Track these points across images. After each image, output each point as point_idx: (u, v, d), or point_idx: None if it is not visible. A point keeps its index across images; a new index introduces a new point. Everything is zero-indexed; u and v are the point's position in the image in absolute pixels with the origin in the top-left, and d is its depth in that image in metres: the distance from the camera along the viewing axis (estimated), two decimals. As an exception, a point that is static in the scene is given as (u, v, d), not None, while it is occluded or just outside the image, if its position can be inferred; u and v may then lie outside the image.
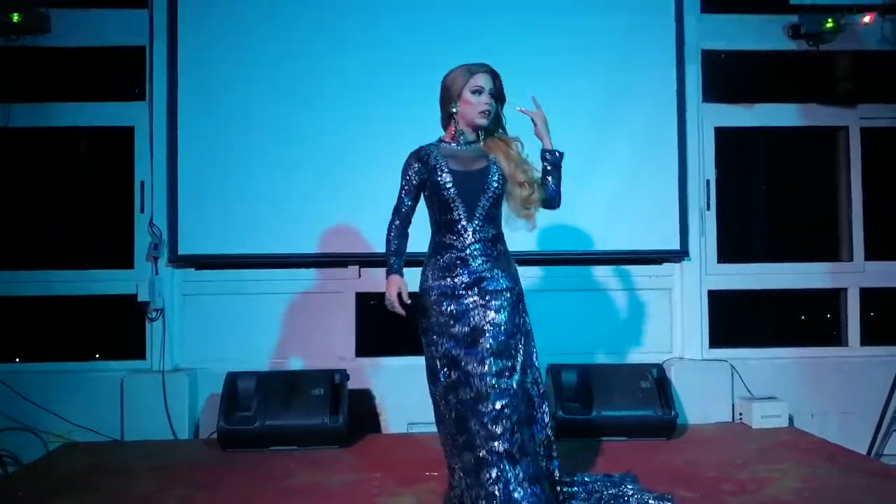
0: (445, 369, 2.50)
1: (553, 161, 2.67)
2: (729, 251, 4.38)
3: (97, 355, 4.24)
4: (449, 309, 2.51)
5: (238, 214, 4.04)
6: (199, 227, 4.06)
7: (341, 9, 4.10)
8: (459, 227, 2.55)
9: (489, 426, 2.39)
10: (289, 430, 3.67)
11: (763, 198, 4.66)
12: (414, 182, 2.61)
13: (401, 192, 2.64)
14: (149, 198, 4.13)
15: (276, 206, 4.06)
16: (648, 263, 4.30)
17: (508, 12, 4.12)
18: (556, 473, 2.68)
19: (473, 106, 2.58)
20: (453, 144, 2.63)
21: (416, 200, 2.65)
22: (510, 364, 2.48)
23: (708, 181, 4.33)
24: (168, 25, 4.09)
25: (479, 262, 2.54)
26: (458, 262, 2.54)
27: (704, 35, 4.32)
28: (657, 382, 3.90)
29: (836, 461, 3.38)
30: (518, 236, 4.18)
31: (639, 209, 4.17)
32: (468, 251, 2.54)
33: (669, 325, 4.30)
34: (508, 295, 2.55)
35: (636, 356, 4.19)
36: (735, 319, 4.45)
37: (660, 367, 3.99)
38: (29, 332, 4.24)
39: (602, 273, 4.26)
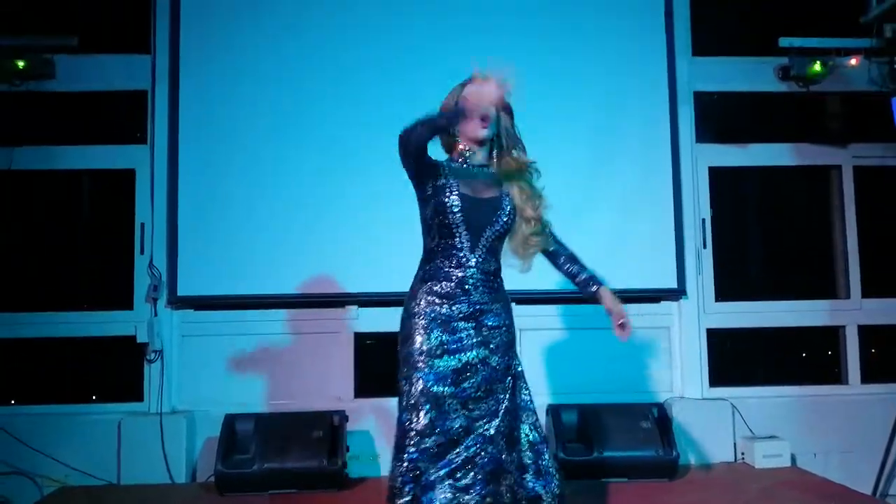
0: (412, 411, 2.21)
1: (577, 285, 2.53)
2: (726, 289, 4.40)
3: (94, 397, 4.22)
4: (440, 339, 2.28)
5: (237, 256, 4.06)
6: (199, 268, 4.08)
7: (342, 49, 4.17)
8: (461, 255, 2.33)
9: (459, 476, 2.19)
10: (287, 473, 3.63)
11: (759, 236, 4.70)
12: (430, 160, 2.35)
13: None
14: (149, 239, 4.15)
15: (274, 248, 4.08)
16: (646, 302, 4.31)
17: (501, 52, 4.19)
18: None
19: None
20: (463, 165, 2.40)
21: (423, 157, 2.32)
22: (493, 409, 2.28)
23: (704, 220, 4.38)
24: (170, 70, 4.17)
25: (481, 291, 2.34)
26: (459, 290, 2.32)
27: (696, 77, 4.41)
28: (658, 422, 3.88)
29: (841, 501, 3.34)
30: (514, 274, 4.21)
31: (635, 248, 4.20)
32: (469, 281, 2.33)
33: (669, 364, 4.30)
34: (504, 331, 2.37)
35: (636, 395, 4.17)
36: (735, 358, 4.45)
37: (660, 407, 3.98)
38: (25, 374, 4.22)
39: (600, 312, 4.22)
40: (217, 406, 3.98)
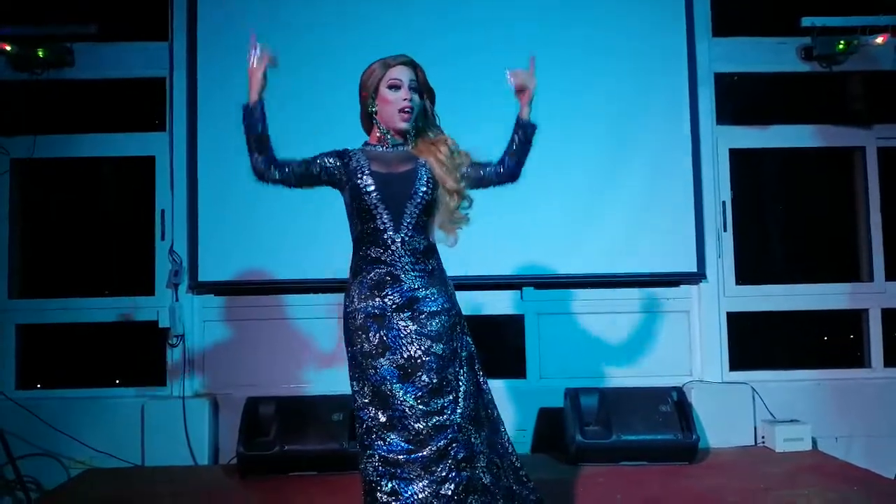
0: (371, 409, 2.19)
1: (526, 138, 2.34)
2: (747, 273, 4.36)
3: (118, 381, 4.28)
4: (378, 336, 2.20)
5: (257, 241, 4.09)
6: (219, 254, 4.11)
7: (357, 36, 4.15)
8: (385, 237, 2.24)
9: (434, 469, 2.14)
10: (308, 456, 3.66)
11: (780, 219, 4.64)
12: (322, 163, 2.31)
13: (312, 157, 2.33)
14: (169, 225, 4.19)
15: (294, 233, 4.10)
16: (666, 286, 4.28)
17: (519, 35, 4.17)
18: (532, 497, 2.37)
19: (392, 104, 2.29)
20: (379, 147, 2.35)
21: (306, 176, 2.32)
22: (451, 397, 2.20)
23: (724, 203, 4.33)
24: (188, 57, 4.18)
25: (412, 277, 2.23)
26: (389, 278, 2.23)
27: (717, 58, 4.35)
28: (677, 406, 3.86)
29: (863, 486, 3.31)
30: (534, 258, 4.20)
31: (655, 232, 4.17)
32: (399, 266, 2.23)
33: (688, 347, 4.28)
34: (445, 318, 2.25)
35: (655, 379, 4.15)
36: (755, 341, 4.41)
37: (680, 391, 3.96)
38: (50, 359, 4.29)
39: (619, 296, 4.25)
40: (238, 389, 4.03)
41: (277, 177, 2.34)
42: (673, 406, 3.85)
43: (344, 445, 3.66)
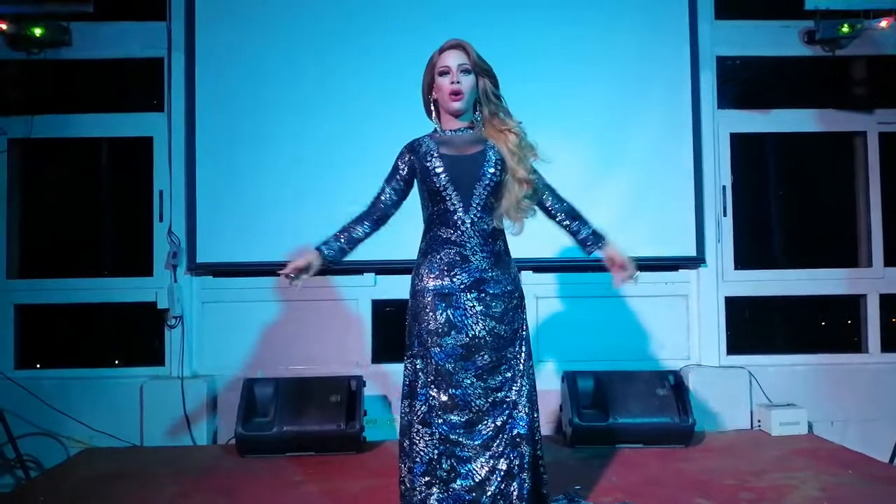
0: (433, 388, 2.28)
1: (587, 246, 2.48)
2: (746, 258, 4.36)
3: (117, 362, 4.30)
4: (445, 315, 2.29)
5: (255, 222, 4.08)
6: (217, 235, 4.11)
7: (357, 21, 4.14)
8: (455, 218, 2.31)
9: (493, 446, 2.26)
10: (306, 436, 3.69)
11: (780, 204, 4.63)
12: (402, 171, 2.40)
13: (385, 179, 2.44)
14: (167, 207, 4.18)
15: (292, 214, 4.09)
16: (665, 270, 4.28)
17: (521, 19, 4.14)
18: (544, 490, 2.42)
19: (443, 90, 2.35)
20: (447, 132, 2.41)
21: (399, 194, 2.42)
22: (509, 375, 2.31)
23: (724, 187, 4.32)
24: (186, 37, 4.16)
25: (479, 258, 2.32)
26: (458, 259, 2.30)
27: (719, 41, 4.32)
28: (674, 389, 3.87)
29: (857, 469, 3.34)
30: (533, 242, 4.20)
31: (655, 216, 4.17)
32: (468, 246, 2.31)
33: (686, 331, 4.29)
34: (509, 300, 2.35)
35: (653, 363, 4.18)
36: (753, 326, 4.43)
37: (677, 374, 3.97)
38: (50, 339, 4.31)
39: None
40: (237, 370, 4.06)
41: (385, 220, 2.50)
42: (670, 389, 3.86)
43: (342, 426, 3.69)
